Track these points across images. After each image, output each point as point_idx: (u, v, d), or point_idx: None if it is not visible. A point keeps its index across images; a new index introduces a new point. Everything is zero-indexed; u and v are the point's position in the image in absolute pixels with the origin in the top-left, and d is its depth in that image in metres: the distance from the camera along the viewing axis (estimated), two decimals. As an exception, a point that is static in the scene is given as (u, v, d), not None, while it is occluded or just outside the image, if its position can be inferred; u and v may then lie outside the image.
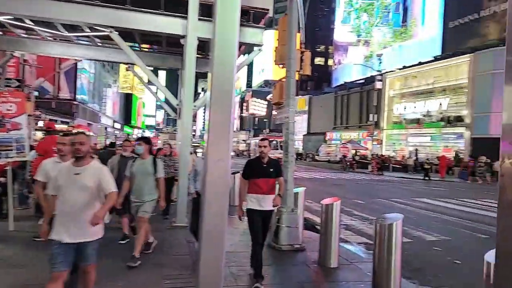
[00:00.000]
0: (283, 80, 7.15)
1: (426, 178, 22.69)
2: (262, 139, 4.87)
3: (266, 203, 4.70)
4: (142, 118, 55.38)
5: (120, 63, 17.84)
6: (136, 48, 11.63)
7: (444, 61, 36.45)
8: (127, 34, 9.87)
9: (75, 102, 25.82)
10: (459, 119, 33.81)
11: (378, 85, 30.91)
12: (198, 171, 5.47)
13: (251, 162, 4.93)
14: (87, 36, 10.39)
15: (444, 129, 35.43)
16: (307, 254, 6.17)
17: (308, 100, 62.95)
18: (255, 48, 9.18)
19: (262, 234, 4.75)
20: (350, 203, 11.70)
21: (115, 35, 7.80)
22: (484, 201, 13.39)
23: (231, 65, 2.99)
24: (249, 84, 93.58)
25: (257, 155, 4.86)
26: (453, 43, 37.16)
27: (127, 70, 16.03)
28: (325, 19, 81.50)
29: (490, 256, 2.72)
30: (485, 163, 22.11)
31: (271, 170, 4.75)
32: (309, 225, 8.22)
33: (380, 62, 35.54)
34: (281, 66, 7.44)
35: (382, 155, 28.44)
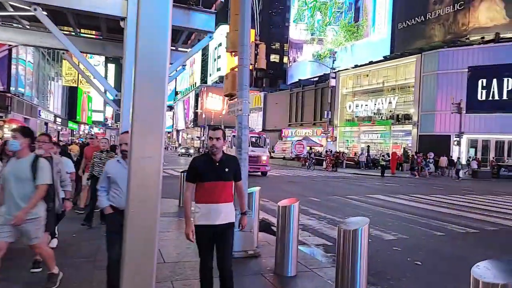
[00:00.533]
0: (236, 69, 6.48)
1: (384, 174, 23.08)
2: (214, 129, 3.58)
3: (220, 215, 3.46)
4: (88, 113, 52.16)
5: (52, 48, 16.24)
6: (73, 33, 10.40)
7: (393, 61, 37.76)
8: (61, 17, 8.71)
9: (8, 95, 23.39)
10: (407, 117, 35.14)
11: (332, 82, 31.31)
12: (113, 177, 3.85)
13: (198, 160, 3.62)
14: (12, 17, 9.07)
15: (394, 127, 36.69)
16: (262, 261, 5.59)
17: (264, 97, 62.87)
18: (208, 36, 8.42)
19: (222, 257, 3.52)
20: (306, 200, 11.37)
21: (40, 14, 6.70)
22: (436, 197, 13.66)
23: (163, 48, 2.36)
24: (204, 80, 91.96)
25: (207, 150, 3.68)
26: (401, 44, 38.57)
27: (63, 58, 14.52)
28: (280, 16, 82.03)
29: (479, 271, 2.21)
30: (433, 159, 22.96)
31: (227, 170, 3.54)
32: (265, 226, 7.69)
33: (334, 60, 36.01)
34: (233, 54, 6.78)
35: (336, 152, 28.78)
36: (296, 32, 58.36)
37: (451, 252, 6.67)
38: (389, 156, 25.66)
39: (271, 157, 41.77)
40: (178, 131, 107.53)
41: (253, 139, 21.34)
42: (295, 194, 13.24)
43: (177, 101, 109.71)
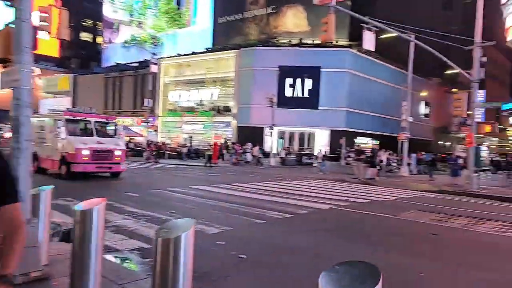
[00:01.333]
0: (11, 26, 4.63)
1: (208, 164, 22.99)
2: None
3: None
4: None
5: None
6: None
7: (215, 53, 38.87)
8: None
9: None
10: (227, 109, 36.81)
11: (154, 68, 29.69)
12: None
13: None
14: None
15: (215, 118, 37.92)
16: (52, 284, 4.13)
17: (73, 79, 55.25)
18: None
19: None
20: (122, 197, 9.89)
21: None
22: (254, 184, 14.27)
23: None
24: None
25: None
26: (222, 38, 40.09)
27: None
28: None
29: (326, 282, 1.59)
30: (250, 149, 24.48)
31: None
32: (68, 235, 5.98)
33: (156, 45, 34.37)
34: (9, 3, 4.86)
35: (158, 143, 27.49)
36: (111, 10, 53.51)
37: (272, 239, 6.66)
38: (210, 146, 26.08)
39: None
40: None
41: (98, 126, 15.11)
42: (110, 189, 11.57)
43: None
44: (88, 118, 14.71)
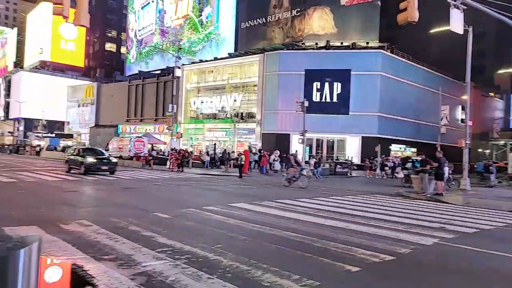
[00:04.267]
0: None
1: (239, 175, 20.57)
2: None
3: None
4: None
5: None
6: None
7: (238, 59, 37.65)
8: None
9: None
10: (251, 115, 35.41)
11: (178, 72, 28.54)
12: None
13: None
14: None
15: (238, 125, 36.62)
16: None
17: (97, 88, 55.34)
18: None
19: None
20: (149, 220, 8.02)
21: None
22: (303, 202, 12.59)
23: None
24: (19, 64, 75.96)
25: None
26: (245, 43, 38.90)
27: None
28: (117, 2, 74.36)
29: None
30: (279, 157, 22.89)
31: None
32: (78, 282, 4.51)
33: (180, 49, 33.44)
34: None
35: (183, 150, 26.14)
36: (134, 20, 53.52)
37: None
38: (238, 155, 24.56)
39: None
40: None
41: None
42: (131, 207, 9.66)
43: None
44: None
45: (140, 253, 5.27)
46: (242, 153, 21.53)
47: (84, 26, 7.39)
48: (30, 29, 75.77)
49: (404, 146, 34.52)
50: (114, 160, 19.77)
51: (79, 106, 58.80)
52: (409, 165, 21.80)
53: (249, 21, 38.80)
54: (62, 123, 62.87)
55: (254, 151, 27.64)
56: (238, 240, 6.50)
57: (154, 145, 35.01)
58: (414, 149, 34.02)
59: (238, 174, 20.21)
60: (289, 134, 31.81)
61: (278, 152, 24.22)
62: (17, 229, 6.41)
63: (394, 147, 32.99)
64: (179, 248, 5.58)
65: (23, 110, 60.11)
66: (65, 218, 7.78)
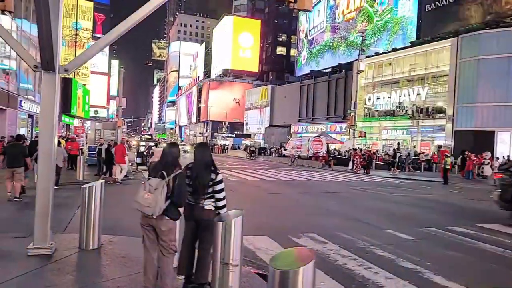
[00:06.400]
0: None
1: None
2: None
3: None
4: (86, 107, 47.71)
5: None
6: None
7: (422, 47, 33.32)
8: None
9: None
10: (439, 111, 30.77)
11: (361, 66, 26.72)
12: None
13: None
14: None
15: (422, 122, 32.39)
16: None
17: (271, 90, 58.56)
18: None
19: None
20: (387, 238, 6.38)
21: None
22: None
23: None
24: (207, 74, 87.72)
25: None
26: (430, 28, 34.10)
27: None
28: (287, 7, 77.29)
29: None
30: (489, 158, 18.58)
31: None
32: None
33: (364, 40, 31.52)
34: None
35: (368, 150, 24.20)
36: (305, 20, 54.20)
37: None
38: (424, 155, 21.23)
39: (283, 156, 37.20)
40: (180, 127, 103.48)
41: None
42: (353, 219, 8.05)
43: (179, 97, 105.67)
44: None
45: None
46: (448, 155, 18.14)
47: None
48: (215, 42, 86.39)
49: None
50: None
51: (255, 108, 63.67)
52: None
53: (436, 2, 33.81)
54: (241, 124, 69.30)
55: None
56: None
57: (330, 144, 34.20)
58: None
59: (423, 179, 17.07)
60: (493, 132, 26.11)
61: (488, 153, 19.74)
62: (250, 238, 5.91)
63: None
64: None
65: (211, 113, 68.95)
66: (290, 227, 7.12)
